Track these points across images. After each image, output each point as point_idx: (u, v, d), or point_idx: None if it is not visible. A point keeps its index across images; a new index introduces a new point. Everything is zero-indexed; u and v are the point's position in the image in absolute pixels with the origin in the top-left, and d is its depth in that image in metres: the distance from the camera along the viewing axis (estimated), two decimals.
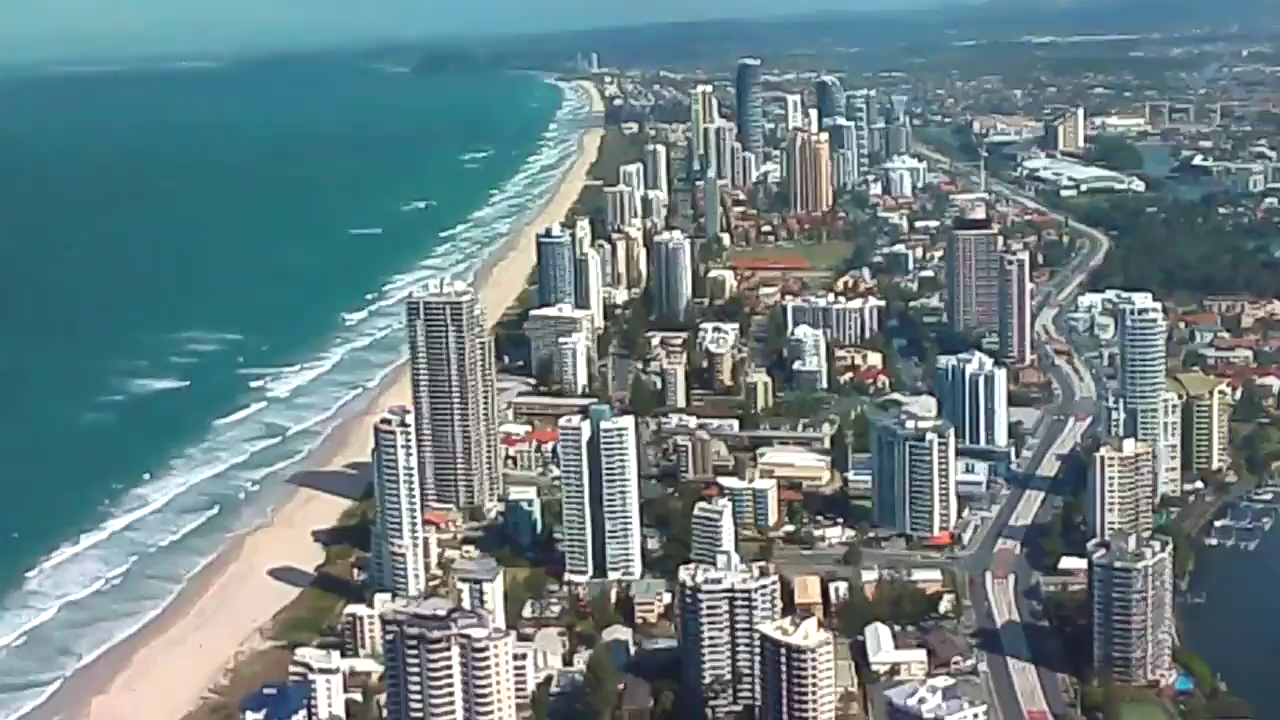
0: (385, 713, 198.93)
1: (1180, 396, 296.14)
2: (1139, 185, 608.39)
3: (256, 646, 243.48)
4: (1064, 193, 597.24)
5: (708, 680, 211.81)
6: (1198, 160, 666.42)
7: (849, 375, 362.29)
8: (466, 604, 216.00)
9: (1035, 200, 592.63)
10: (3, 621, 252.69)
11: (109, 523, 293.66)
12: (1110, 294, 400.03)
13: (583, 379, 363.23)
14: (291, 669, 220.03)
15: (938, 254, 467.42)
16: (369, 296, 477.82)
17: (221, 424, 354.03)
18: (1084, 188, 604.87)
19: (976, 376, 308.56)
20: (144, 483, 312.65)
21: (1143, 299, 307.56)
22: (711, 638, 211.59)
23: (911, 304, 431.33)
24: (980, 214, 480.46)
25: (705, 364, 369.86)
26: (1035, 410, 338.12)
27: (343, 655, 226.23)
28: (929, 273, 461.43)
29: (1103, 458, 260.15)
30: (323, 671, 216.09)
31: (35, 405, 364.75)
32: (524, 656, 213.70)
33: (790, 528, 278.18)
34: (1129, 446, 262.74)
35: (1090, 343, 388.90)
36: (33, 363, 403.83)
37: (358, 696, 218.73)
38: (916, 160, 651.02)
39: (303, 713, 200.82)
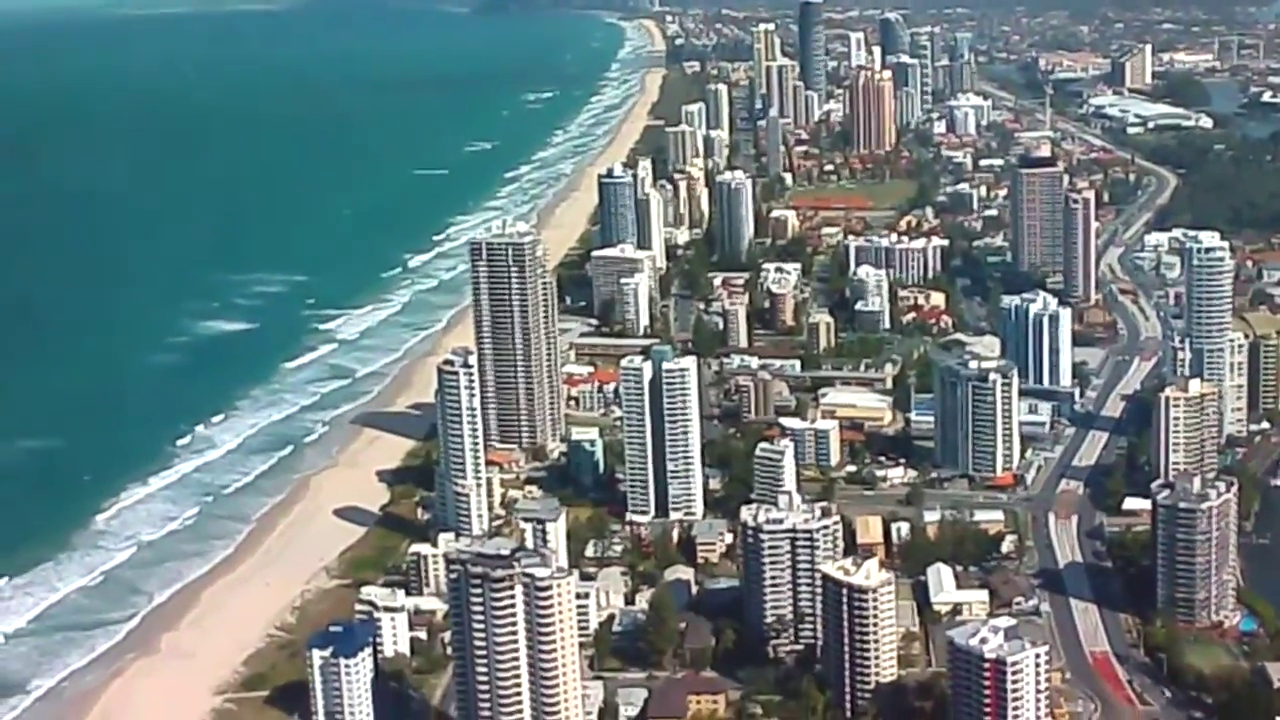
0: (449, 650, 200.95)
1: (1247, 336, 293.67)
2: (1207, 122, 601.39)
3: (322, 585, 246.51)
4: (1130, 130, 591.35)
5: (769, 620, 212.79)
6: (1266, 97, 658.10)
7: (912, 315, 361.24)
8: (530, 543, 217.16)
9: (1101, 138, 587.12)
10: (74, 561, 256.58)
11: (178, 464, 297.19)
12: (1177, 232, 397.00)
13: (644, 319, 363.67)
14: (357, 607, 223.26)
15: (1002, 193, 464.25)
16: (435, 238, 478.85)
17: (288, 366, 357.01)
18: (1151, 125, 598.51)
19: (1040, 316, 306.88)
20: (212, 424, 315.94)
21: (1210, 237, 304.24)
22: (773, 577, 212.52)
23: (975, 243, 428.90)
24: (1045, 152, 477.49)
25: (767, 304, 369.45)
26: (1100, 350, 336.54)
27: (407, 594, 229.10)
28: (993, 212, 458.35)
29: (1168, 398, 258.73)
30: (388, 610, 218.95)
31: (103, 348, 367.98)
32: (586, 595, 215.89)
33: (852, 468, 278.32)
34: (1194, 386, 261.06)
35: (1156, 282, 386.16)
36: (100, 305, 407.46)
37: (422, 634, 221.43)
38: (981, 98, 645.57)
39: (368, 650, 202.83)
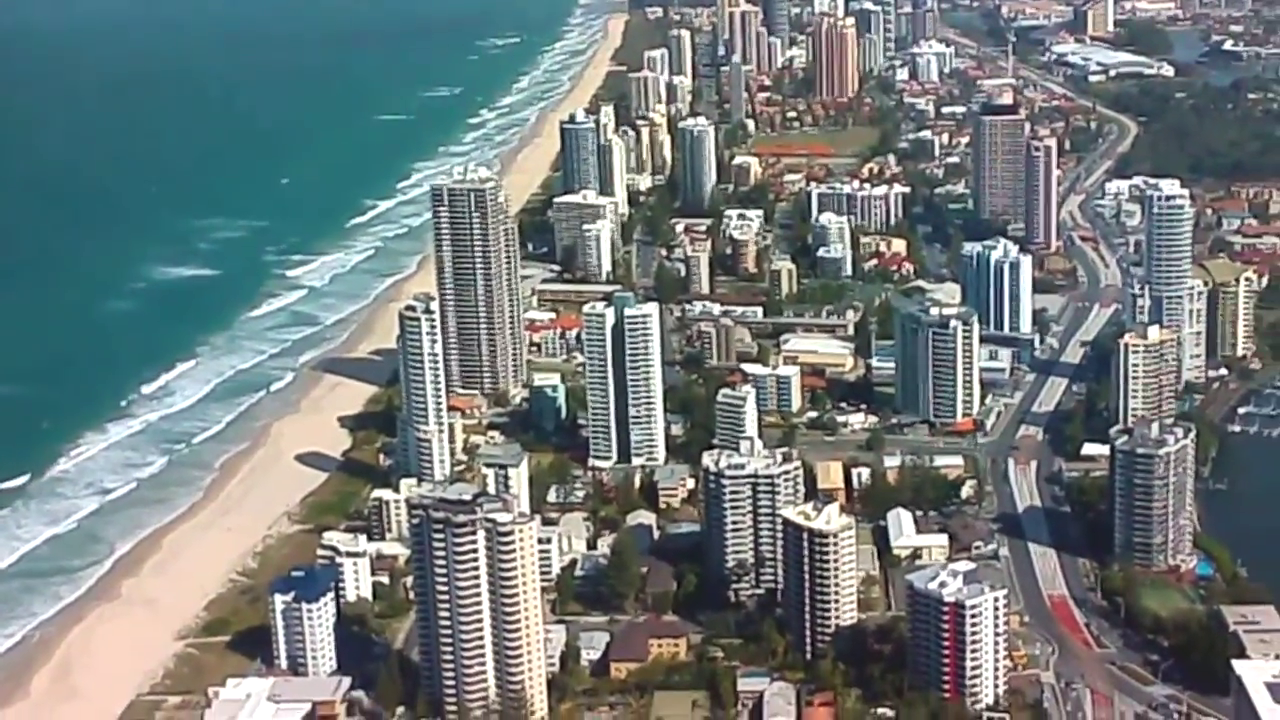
0: (412, 595, 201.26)
1: (1206, 283, 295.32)
2: (1168, 70, 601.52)
3: (284, 530, 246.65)
4: (1092, 78, 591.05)
5: (730, 564, 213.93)
6: (1228, 45, 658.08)
7: (873, 262, 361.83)
8: (491, 489, 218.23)
9: (1063, 85, 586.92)
10: (33, 509, 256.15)
11: (138, 411, 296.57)
12: (1137, 180, 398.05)
13: (607, 266, 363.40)
14: (319, 552, 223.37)
15: (964, 140, 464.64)
16: (399, 185, 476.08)
17: (249, 312, 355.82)
18: (1112, 73, 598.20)
19: (1001, 263, 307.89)
20: (171, 370, 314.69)
21: (1170, 185, 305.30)
22: (734, 522, 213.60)
23: (937, 190, 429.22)
24: (1007, 99, 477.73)
25: (729, 251, 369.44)
26: (1060, 297, 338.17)
27: (369, 539, 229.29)
28: (955, 159, 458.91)
29: (1127, 344, 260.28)
30: (350, 555, 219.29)
31: (61, 295, 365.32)
32: (548, 540, 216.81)
33: (813, 414, 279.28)
34: (1153, 333, 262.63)
35: (1116, 229, 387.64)
36: (56, 250, 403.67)
37: (384, 579, 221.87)
38: (943, 45, 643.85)
39: (330, 594, 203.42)
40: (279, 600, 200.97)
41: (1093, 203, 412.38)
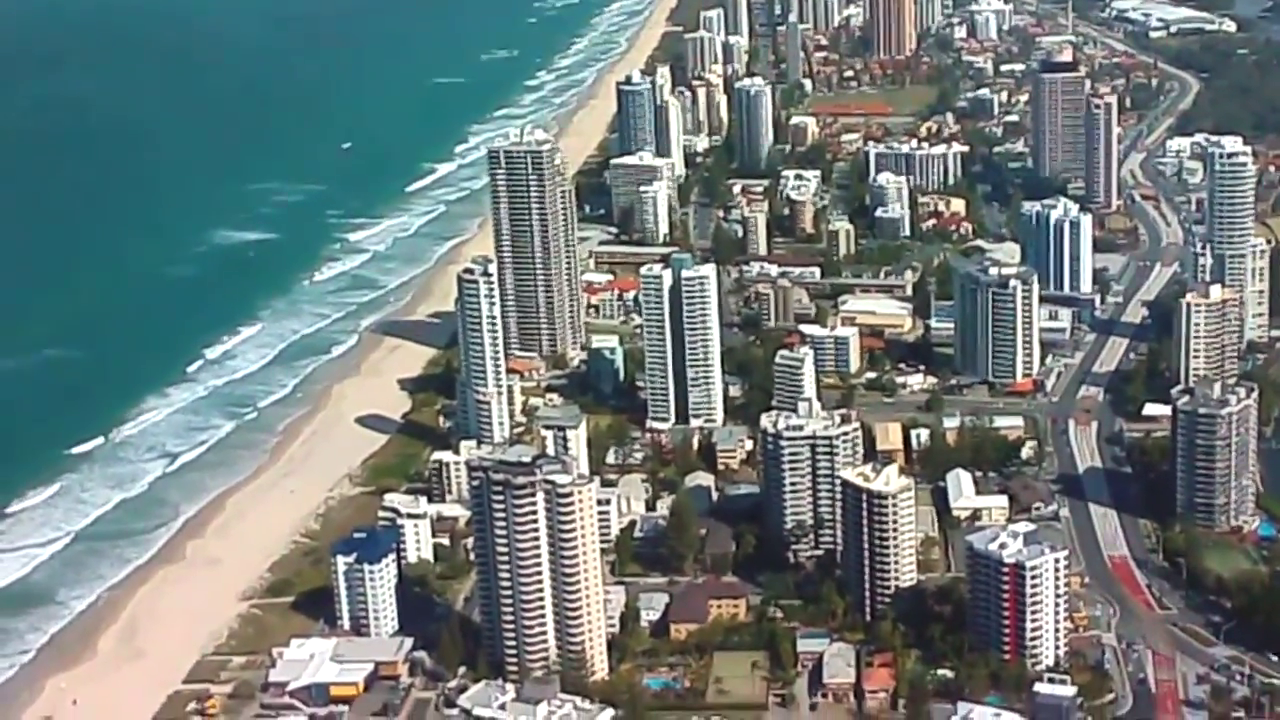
0: (472, 556, 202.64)
1: (1269, 241, 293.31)
2: (1230, 26, 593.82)
3: (345, 492, 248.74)
4: (1153, 34, 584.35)
5: (789, 525, 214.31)
6: None
7: (932, 222, 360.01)
8: (550, 450, 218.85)
9: (1124, 42, 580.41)
10: (98, 473, 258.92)
11: (201, 375, 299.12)
12: (1199, 137, 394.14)
13: (664, 227, 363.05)
14: (380, 514, 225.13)
15: (1023, 98, 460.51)
16: (457, 148, 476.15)
17: (308, 275, 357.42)
18: (1174, 29, 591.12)
19: (1061, 222, 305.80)
20: (234, 335, 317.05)
21: (1232, 142, 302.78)
22: (793, 484, 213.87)
23: (996, 149, 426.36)
24: (1067, 56, 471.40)
25: (787, 211, 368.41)
26: (1121, 256, 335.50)
27: (430, 500, 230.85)
28: (1014, 117, 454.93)
29: (1189, 303, 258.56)
30: (410, 516, 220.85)
31: (124, 258, 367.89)
32: (607, 502, 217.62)
33: (872, 375, 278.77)
34: (1215, 292, 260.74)
35: (1178, 187, 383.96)
36: (119, 215, 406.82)
37: (445, 541, 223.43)
38: (1002, 1, 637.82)
39: (391, 556, 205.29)
40: (341, 562, 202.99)
41: (1154, 160, 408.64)
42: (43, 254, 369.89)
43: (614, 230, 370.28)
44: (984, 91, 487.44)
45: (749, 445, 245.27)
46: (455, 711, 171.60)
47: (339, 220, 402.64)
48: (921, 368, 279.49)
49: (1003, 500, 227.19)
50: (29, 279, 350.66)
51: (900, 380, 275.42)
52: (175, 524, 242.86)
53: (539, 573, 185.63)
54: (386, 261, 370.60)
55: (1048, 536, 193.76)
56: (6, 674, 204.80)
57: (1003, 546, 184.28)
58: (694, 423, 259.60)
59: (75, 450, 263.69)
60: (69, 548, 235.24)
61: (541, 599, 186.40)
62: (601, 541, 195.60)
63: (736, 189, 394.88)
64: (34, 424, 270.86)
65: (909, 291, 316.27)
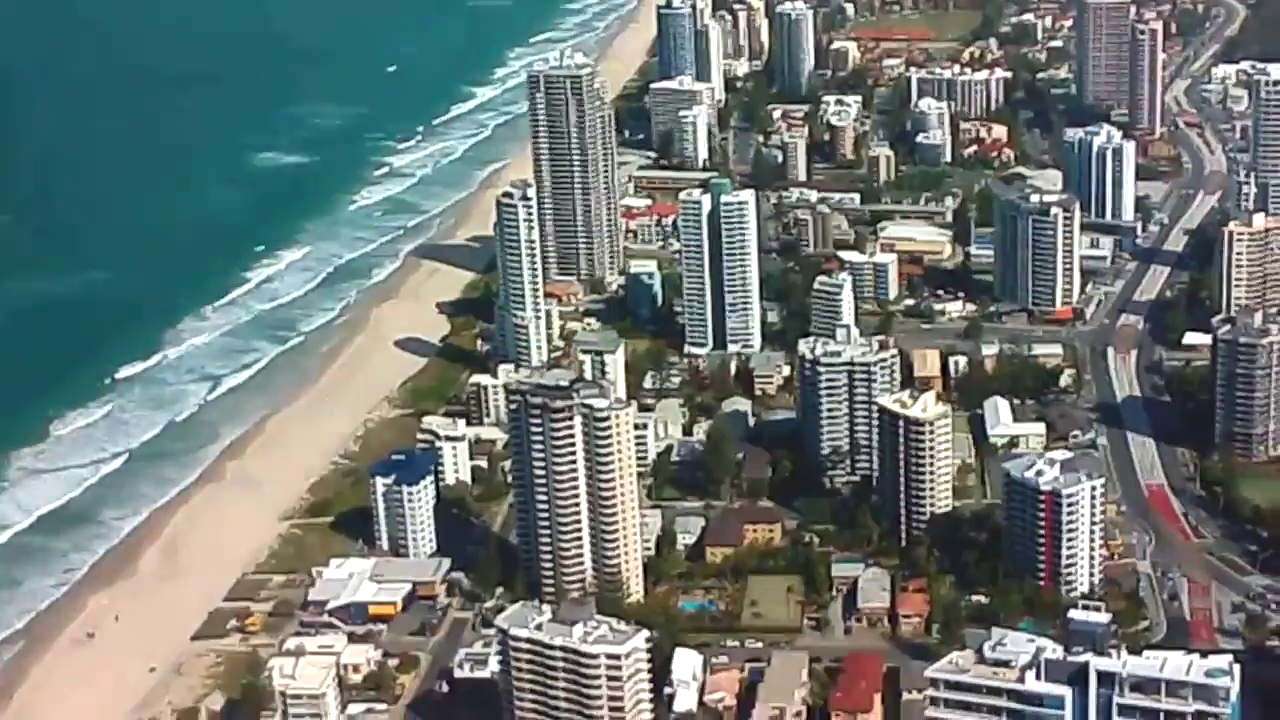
0: (510, 479, 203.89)
1: None
2: None
3: (385, 415, 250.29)
4: None
5: (826, 451, 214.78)
6: None
7: (973, 148, 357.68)
8: (588, 374, 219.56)
9: None
10: (139, 394, 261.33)
11: (241, 297, 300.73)
12: (1245, 64, 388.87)
13: (703, 152, 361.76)
14: (419, 436, 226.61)
15: (1067, 23, 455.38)
16: (497, 73, 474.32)
17: (347, 198, 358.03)
18: None
19: (1104, 149, 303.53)
20: (275, 258, 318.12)
21: (1278, 70, 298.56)
22: (830, 410, 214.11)
23: (1039, 75, 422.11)
24: None
25: (827, 137, 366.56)
26: (1164, 184, 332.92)
27: (468, 423, 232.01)
28: (1058, 43, 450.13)
29: (1231, 232, 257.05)
30: (449, 439, 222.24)
31: (167, 181, 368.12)
32: (645, 426, 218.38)
33: (910, 301, 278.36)
34: (1259, 221, 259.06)
35: (1222, 115, 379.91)
36: (161, 138, 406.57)
37: (482, 463, 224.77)
38: None
39: (430, 477, 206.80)
40: (380, 483, 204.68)
41: (1198, 88, 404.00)
42: (87, 178, 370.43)
43: (653, 155, 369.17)
44: (1028, 16, 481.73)
45: (786, 371, 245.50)
46: (492, 631, 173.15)
47: (380, 143, 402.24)
48: (960, 295, 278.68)
49: (1040, 428, 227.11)
50: (73, 203, 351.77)
51: (939, 307, 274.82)
52: (217, 446, 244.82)
53: (576, 496, 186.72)
54: (429, 185, 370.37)
55: (1085, 464, 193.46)
56: (58, 593, 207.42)
57: (1039, 474, 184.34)
58: (731, 348, 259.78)
59: (120, 374, 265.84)
60: (114, 470, 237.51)
61: (578, 522, 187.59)
62: (638, 465, 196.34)
63: (776, 114, 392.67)
64: (79, 347, 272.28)
65: (949, 218, 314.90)
